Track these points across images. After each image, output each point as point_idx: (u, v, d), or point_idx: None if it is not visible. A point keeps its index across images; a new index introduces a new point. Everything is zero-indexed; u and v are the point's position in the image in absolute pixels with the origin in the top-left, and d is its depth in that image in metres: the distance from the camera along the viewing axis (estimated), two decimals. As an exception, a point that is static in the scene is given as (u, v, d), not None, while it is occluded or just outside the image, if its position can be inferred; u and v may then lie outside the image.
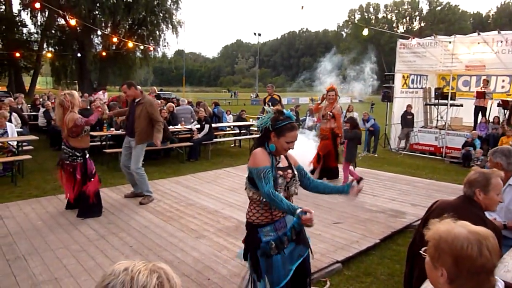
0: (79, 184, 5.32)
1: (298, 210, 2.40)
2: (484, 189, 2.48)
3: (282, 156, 2.75)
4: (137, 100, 5.99)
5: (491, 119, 11.48)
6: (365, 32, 13.16)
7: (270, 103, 10.05)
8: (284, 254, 2.63)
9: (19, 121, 9.98)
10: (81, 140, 5.32)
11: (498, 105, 11.46)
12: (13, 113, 9.84)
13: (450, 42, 11.13)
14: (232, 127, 13.09)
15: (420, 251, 1.49)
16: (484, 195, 2.48)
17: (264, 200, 2.57)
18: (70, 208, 5.49)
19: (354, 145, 7.14)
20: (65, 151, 5.34)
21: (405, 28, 78.63)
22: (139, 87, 6.20)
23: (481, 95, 11.46)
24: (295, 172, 2.77)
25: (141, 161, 6.06)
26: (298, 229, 2.75)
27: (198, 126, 10.37)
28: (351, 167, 7.17)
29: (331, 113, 7.28)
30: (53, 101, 12.81)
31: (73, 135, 5.21)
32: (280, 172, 2.65)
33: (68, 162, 5.32)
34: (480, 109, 11.68)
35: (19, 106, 12.70)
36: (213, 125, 10.87)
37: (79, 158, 5.32)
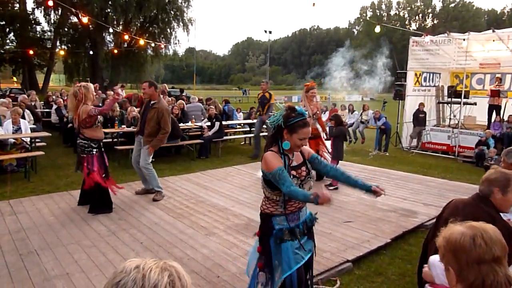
0: (97, 177, 5.32)
1: (311, 197, 2.40)
2: (504, 189, 2.43)
3: (296, 153, 2.73)
4: (152, 102, 6.02)
5: (505, 118, 11.29)
6: (377, 29, 13.00)
7: (259, 101, 9.91)
8: (295, 243, 2.65)
9: (32, 118, 10.12)
10: (95, 130, 5.33)
11: (513, 103, 11.27)
12: (26, 110, 9.98)
13: (464, 40, 10.95)
14: (242, 124, 13.08)
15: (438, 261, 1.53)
16: (502, 195, 2.43)
17: (281, 201, 2.63)
18: (82, 204, 5.54)
19: (340, 142, 7.04)
20: (80, 144, 5.32)
21: (417, 26, 77.78)
22: (159, 86, 6.22)
23: (495, 94, 11.27)
24: (310, 169, 2.76)
25: (150, 158, 6.13)
26: (310, 224, 2.80)
27: (209, 123, 10.39)
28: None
29: (318, 113, 7.12)
30: (65, 98, 12.94)
31: (86, 126, 5.23)
32: (294, 172, 2.64)
33: (84, 155, 5.30)
34: (494, 108, 11.49)
35: (33, 103, 12.88)
36: (224, 122, 10.89)
37: (95, 149, 5.33)
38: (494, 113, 11.49)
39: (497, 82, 11.48)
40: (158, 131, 5.97)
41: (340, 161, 8.76)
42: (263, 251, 2.72)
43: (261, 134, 10.24)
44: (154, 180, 6.16)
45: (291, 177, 2.59)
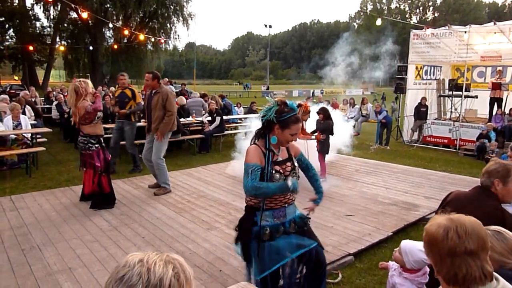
0: (98, 173, 5.34)
1: (289, 183, 2.41)
2: (504, 180, 2.43)
3: (283, 148, 2.71)
4: (154, 90, 6.02)
5: (506, 111, 11.26)
6: (379, 22, 12.95)
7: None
8: (276, 242, 2.60)
9: (33, 114, 10.11)
10: (95, 126, 5.34)
11: (515, 96, 11.24)
12: (27, 106, 9.98)
13: (465, 32, 10.89)
14: (243, 119, 13.06)
15: None
16: (502, 185, 2.43)
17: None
18: (84, 200, 5.54)
19: (327, 136, 6.89)
20: (80, 141, 5.36)
21: (418, 19, 77.41)
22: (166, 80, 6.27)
23: (497, 86, 11.23)
24: (295, 164, 2.74)
25: (163, 152, 6.10)
26: (301, 225, 2.74)
27: (209, 118, 10.37)
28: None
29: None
30: (65, 94, 12.93)
31: (86, 122, 5.24)
32: (277, 167, 2.61)
33: (83, 152, 5.33)
34: (495, 101, 11.45)
35: (33, 99, 12.87)
36: (224, 117, 10.87)
37: (95, 145, 5.34)
38: (495, 106, 11.46)
39: (498, 75, 11.44)
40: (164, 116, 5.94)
41: (341, 155, 8.78)
42: (242, 246, 2.69)
43: None
44: (163, 176, 6.14)
45: (274, 171, 2.57)
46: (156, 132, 5.94)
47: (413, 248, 2.38)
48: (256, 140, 2.68)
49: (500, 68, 11.58)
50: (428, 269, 2.42)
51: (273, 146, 2.63)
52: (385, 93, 16.20)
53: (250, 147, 2.63)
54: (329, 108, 7.74)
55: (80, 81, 5.30)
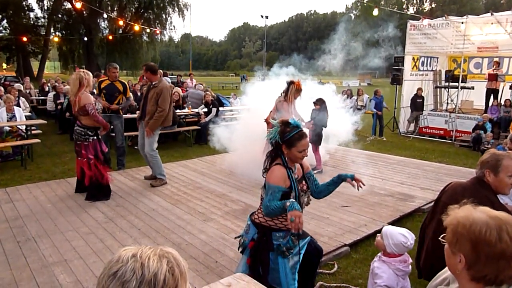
0: (94, 165, 5.30)
1: (287, 203, 2.39)
2: (494, 170, 2.44)
3: (297, 165, 2.72)
4: (153, 83, 5.96)
5: (502, 102, 11.28)
6: (375, 12, 12.88)
7: None
8: (293, 257, 2.66)
9: (27, 105, 10.03)
10: (89, 117, 5.30)
11: (511, 87, 11.24)
12: (21, 98, 9.89)
13: (462, 23, 10.85)
14: (239, 111, 13.00)
15: (439, 238, 1.46)
16: (494, 176, 2.44)
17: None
18: (80, 192, 5.52)
19: (320, 128, 6.78)
20: (77, 131, 5.31)
21: (415, 10, 77.04)
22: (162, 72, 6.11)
23: (493, 77, 11.24)
24: (308, 183, 2.77)
25: (155, 144, 6.09)
26: (296, 234, 2.76)
27: (205, 109, 10.33)
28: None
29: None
30: (59, 85, 12.80)
31: (84, 113, 5.20)
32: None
33: (79, 142, 5.29)
34: (492, 92, 11.47)
35: (27, 91, 12.76)
36: (221, 108, 10.82)
37: (92, 137, 5.31)
38: (492, 97, 11.48)
39: (495, 66, 11.44)
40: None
41: (338, 147, 8.77)
42: (254, 264, 2.69)
43: None
44: (158, 167, 6.13)
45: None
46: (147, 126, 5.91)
47: (394, 231, 2.47)
48: (275, 160, 2.67)
49: (497, 59, 11.57)
50: (410, 259, 2.47)
51: (290, 164, 2.64)
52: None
53: (276, 167, 2.61)
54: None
55: (84, 71, 5.29)
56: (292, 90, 6.15)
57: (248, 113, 8.00)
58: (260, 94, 7.42)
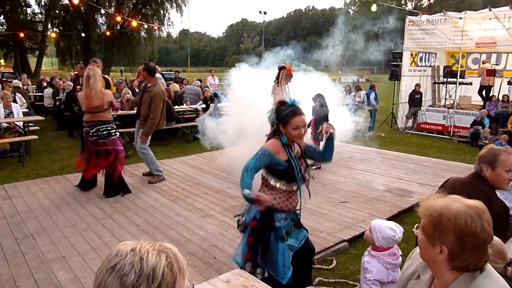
0: (118, 160, 5.31)
1: (245, 192, 2.46)
2: (491, 165, 2.43)
3: (296, 146, 2.75)
4: (148, 85, 5.88)
5: (500, 98, 11.29)
6: (374, 8, 12.84)
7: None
8: (288, 242, 2.71)
9: (24, 101, 9.99)
10: (109, 111, 5.42)
11: (509, 83, 11.25)
12: (17, 94, 9.85)
13: (460, 18, 10.84)
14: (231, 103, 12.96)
15: (413, 229, 1.45)
16: (491, 171, 2.44)
17: (284, 188, 2.65)
18: (86, 190, 5.49)
19: (320, 124, 6.75)
20: (101, 129, 5.21)
21: (413, 5, 76.84)
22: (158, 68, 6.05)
23: (491, 73, 11.24)
24: (307, 161, 2.80)
25: (147, 142, 6.05)
26: (296, 219, 2.84)
27: (204, 105, 10.30)
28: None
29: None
30: (58, 81, 12.76)
31: (105, 109, 5.27)
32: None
33: (106, 140, 5.22)
34: (484, 88, 11.51)
35: (25, 87, 12.69)
36: (219, 104, 10.79)
37: (116, 129, 5.42)
38: (484, 93, 11.56)
39: (484, 63, 11.54)
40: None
41: (336, 143, 8.74)
42: (255, 243, 2.71)
43: None
44: (152, 164, 6.09)
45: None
46: (141, 127, 5.88)
47: (382, 225, 2.51)
48: (273, 137, 2.72)
49: (485, 58, 11.64)
50: (399, 251, 2.49)
51: (288, 143, 2.66)
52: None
53: (271, 140, 2.69)
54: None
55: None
56: (283, 75, 5.99)
57: (241, 106, 7.69)
58: (251, 81, 7.13)
